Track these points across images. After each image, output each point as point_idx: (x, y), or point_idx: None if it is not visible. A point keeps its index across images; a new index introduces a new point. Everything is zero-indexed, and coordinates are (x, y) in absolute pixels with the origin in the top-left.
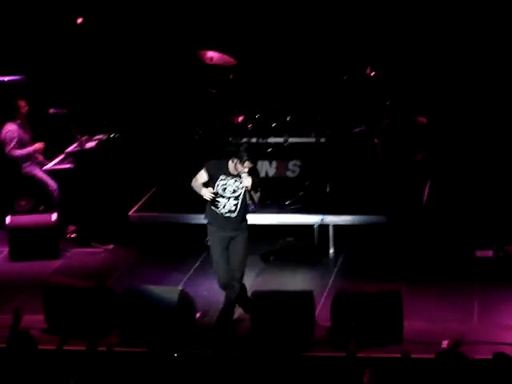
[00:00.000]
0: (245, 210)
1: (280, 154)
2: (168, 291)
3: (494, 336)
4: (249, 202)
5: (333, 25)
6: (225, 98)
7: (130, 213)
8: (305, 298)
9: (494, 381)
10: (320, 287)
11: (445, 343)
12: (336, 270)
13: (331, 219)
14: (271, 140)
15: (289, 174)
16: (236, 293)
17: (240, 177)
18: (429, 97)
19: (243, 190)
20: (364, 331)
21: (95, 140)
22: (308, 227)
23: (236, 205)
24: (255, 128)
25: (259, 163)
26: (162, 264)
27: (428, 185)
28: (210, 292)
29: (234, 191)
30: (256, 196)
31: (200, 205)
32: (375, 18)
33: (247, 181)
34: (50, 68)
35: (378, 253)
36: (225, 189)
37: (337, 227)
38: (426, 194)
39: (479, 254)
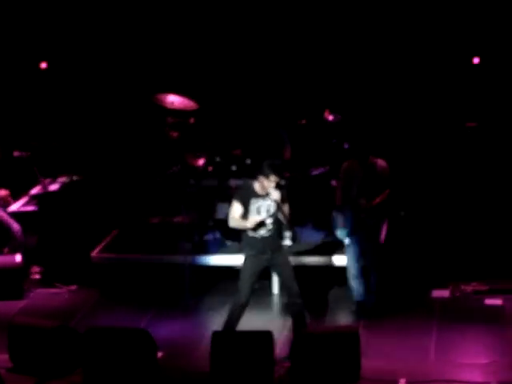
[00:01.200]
0: (280, 227)
1: None
2: (130, 332)
3: (451, 374)
4: (281, 217)
5: (290, 69)
6: (186, 142)
7: (92, 254)
8: (264, 338)
9: None
10: (280, 327)
11: (402, 382)
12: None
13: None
14: (232, 183)
15: None
16: (301, 306)
17: (268, 196)
18: (388, 139)
19: (275, 207)
20: (323, 370)
21: (58, 182)
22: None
23: (272, 223)
24: (216, 171)
25: (219, 205)
26: (124, 304)
27: (386, 224)
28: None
29: (268, 210)
30: (286, 209)
31: (161, 246)
32: (333, 62)
33: (275, 194)
34: (13, 111)
35: (334, 291)
36: (259, 211)
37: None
38: (383, 233)
39: (436, 293)
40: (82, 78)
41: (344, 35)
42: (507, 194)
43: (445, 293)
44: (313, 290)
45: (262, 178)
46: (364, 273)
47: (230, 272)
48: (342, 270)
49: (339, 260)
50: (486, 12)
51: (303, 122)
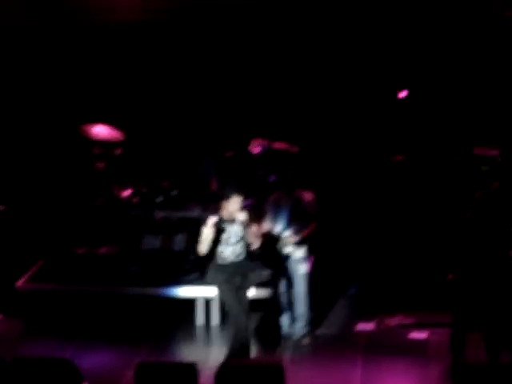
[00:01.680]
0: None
1: (166, 228)
2: (54, 361)
3: None
4: (249, 238)
5: (216, 100)
6: (112, 173)
7: (17, 283)
8: (188, 370)
9: None
10: (206, 358)
11: None
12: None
13: None
14: (158, 214)
15: (175, 247)
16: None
17: (235, 221)
18: (316, 171)
19: (242, 233)
20: None
21: None
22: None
23: (243, 246)
24: (142, 202)
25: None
26: (50, 334)
27: (312, 259)
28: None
29: (238, 235)
30: (254, 229)
31: (87, 276)
32: (261, 94)
33: (242, 215)
34: None
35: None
36: (229, 237)
37: None
38: (310, 264)
39: (360, 326)
40: (5, 109)
41: (266, 66)
42: (434, 225)
43: (369, 326)
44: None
45: (224, 204)
46: (291, 304)
47: (158, 302)
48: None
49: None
50: (412, 45)
51: (230, 153)
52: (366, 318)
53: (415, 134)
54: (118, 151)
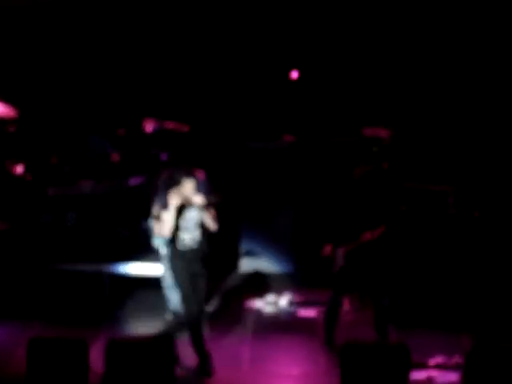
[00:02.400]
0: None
1: (57, 206)
2: None
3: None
4: (207, 222)
5: (108, 75)
6: (5, 149)
7: None
8: (78, 346)
9: None
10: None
11: None
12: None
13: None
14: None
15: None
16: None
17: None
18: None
19: (200, 217)
20: (136, 378)
21: None
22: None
23: (201, 234)
24: (35, 178)
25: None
26: None
27: None
28: None
29: (196, 221)
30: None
31: None
32: (151, 73)
33: (198, 199)
34: None
35: (151, 300)
36: (187, 223)
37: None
38: None
39: (249, 304)
40: None
41: (154, 46)
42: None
43: (258, 303)
44: (130, 299)
45: (178, 190)
46: None
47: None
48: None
49: (155, 269)
50: (303, 26)
51: (122, 132)
52: (256, 296)
53: (305, 115)
54: (12, 128)
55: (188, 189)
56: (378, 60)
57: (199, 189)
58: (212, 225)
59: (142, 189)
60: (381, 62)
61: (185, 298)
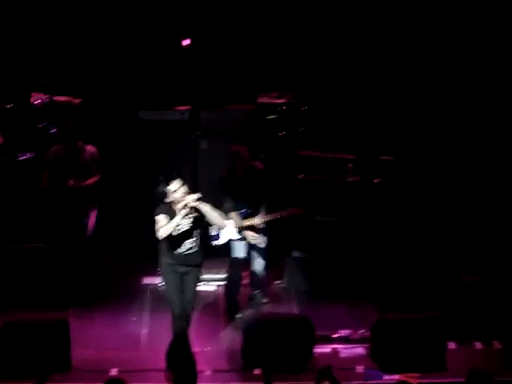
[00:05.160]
0: (202, 244)
1: None
2: None
3: (163, 363)
4: (209, 219)
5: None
6: None
7: None
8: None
9: None
10: None
11: (114, 371)
12: None
13: None
14: None
15: None
16: (186, 327)
17: (189, 214)
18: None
19: (195, 223)
20: (33, 360)
21: None
22: None
23: (194, 240)
24: None
25: None
26: None
27: (95, 212)
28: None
29: (189, 228)
30: (207, 208)
31: None
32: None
33: (191, 198)
34: None
35: (44, 279)
36: (180, 230)
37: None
38: (92, 220)
39: (147, 280)
40: None
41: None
42: None
43: (155, 279)
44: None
45: (170, 196)
46: None
47: None
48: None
49: None
50: None
51: (8, 106)
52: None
53: (199, 84)
54: None
55: (177, 191)
56: (270, 23)
57: (89, 161)
58: (219, 220)
59: (32, 164)
60: (273, 26)
61: (168, 296)
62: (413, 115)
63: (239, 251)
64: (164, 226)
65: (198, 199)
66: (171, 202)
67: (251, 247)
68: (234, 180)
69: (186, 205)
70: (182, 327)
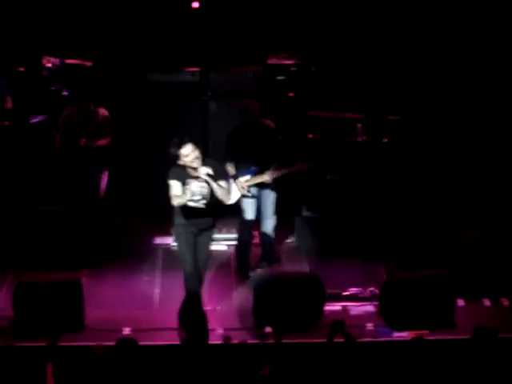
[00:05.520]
0: (214, 206)
1: None
2: None
3: (174, 322)
4: (217, 194)
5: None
6: None
7: None
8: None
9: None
10: None
11: (126, 330)
12: None
13: None
14: None
15: None
16: (199, 286)
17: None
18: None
19: (209, 188)
20: (46, 320)
21: None
22: None
23: (206, 203)
24: None
25: None
26: None
27: (106, 174)
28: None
29: (201, 192)
30: (222, 183)
31: None
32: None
33: (204, 170)
34: None
35: (56, 241)
36: (193, 193)
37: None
38: (104, 183)
39: (158, 240)
40: None
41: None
42: None
43: (167, 239)
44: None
45: (181, 162)
46: None
47: None
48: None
49: None
50: None
51: (21, 69)
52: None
53: (207, 46)
54: None
55: (190, 155)
56: None
57: (102, 123)
58: (225, 197)
59: (45, 126)
60: None
61: (181, 255)
62: (420, 74)
63: (248, 212)
64: (178, 196)
65: (208, 175)
66: (183, 165)
67: (260, 207)
68: (244, 135)
69: (197, 176)
70: (195, 286)
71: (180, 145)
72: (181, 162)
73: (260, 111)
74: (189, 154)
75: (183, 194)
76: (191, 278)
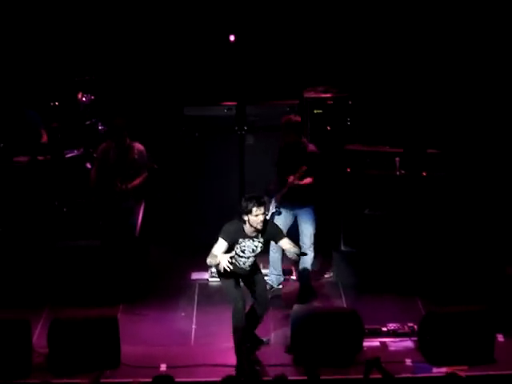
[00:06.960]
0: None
1: None
2: None
3: (211, 358)
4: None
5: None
6: None
7: None
8: (21, 326)
9: None
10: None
11: (163, 366)
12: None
13: None
14: None
15: None
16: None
17: (257, 237)
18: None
19: (261, 248)
20: (82, 356)
21: None
22: None
23: (254, 260)
24: None
25: None
26: None
27: (142, 208)
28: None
29: (253, 251)
30: (285, 241)
31: None
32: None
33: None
34: None
35: (93, 276)
36: (244, 251)
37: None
38: (140, 217)
39: (195, 275)
40: None
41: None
42: None
43: (204, 275)
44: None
45: (247, 217)
46: None
47: None
48: None
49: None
50: None
51: (56, 103)
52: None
53: (244, 80)
54: None
55: (256, 218)
56: (316, 21)
57: (138, 159)
58: (294, 250)
59: (79, 160)
60: (319, 23)
61: (228, 293)
62: (458, 108)
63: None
64: (214, 256)
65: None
66: (246, 222)
67: (299, 237)
68: (288, 155)
69: (256, 235)
70: (240, 319)
71: (257, 204)
72: (245, 218)
73: (300, 121)
74: (259, 214)
75: (222, 254)
76: (240, 312)
